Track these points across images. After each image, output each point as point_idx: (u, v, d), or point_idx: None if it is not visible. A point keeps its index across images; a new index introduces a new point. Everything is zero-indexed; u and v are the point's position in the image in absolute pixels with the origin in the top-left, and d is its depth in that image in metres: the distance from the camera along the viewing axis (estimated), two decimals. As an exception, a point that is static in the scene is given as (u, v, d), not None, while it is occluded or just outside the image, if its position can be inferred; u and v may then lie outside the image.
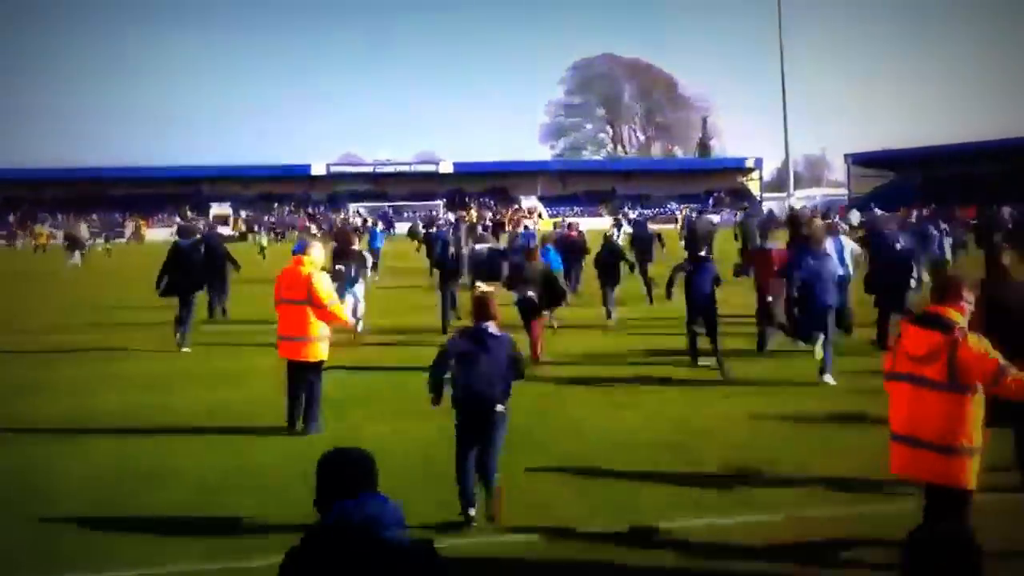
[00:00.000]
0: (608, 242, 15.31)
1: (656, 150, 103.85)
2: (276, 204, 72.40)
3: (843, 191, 77.98)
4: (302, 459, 7.15)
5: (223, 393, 10.06)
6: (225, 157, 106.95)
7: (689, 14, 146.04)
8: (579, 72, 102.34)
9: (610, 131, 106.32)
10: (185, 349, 13.00)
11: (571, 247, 17.04)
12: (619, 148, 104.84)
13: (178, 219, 65.21)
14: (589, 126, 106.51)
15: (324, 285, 8.32)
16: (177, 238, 14.56)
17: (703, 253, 11.31)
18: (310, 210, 70.30)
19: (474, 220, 38.03)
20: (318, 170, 73.85)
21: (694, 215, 34.66)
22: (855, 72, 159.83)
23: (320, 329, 8.31)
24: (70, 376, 11.29)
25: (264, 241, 37.41)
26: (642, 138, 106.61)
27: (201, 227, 23.93)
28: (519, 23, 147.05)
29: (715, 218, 43.22)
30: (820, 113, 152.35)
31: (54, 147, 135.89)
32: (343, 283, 12.91)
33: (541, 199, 75.72)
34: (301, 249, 8.88)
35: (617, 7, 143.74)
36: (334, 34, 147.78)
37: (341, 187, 74.82)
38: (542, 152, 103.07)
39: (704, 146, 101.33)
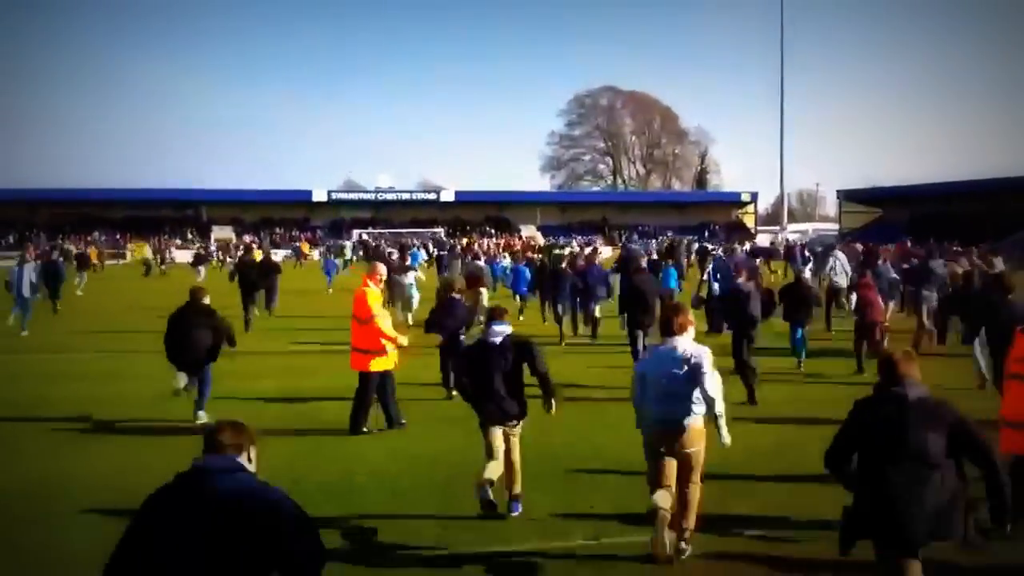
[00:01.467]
0: (553, 264, 18.83)
1: (655, 182, 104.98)
2: (278, 228, 73.74)
3: (834, 226, 78.97)
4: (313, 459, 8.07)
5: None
6: (225, 181, 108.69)
7: (691, 49, 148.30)
8: (580, 104, 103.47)
9: (609, 163, 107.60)
10: (248, 331, 17.34)
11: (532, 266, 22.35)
12: (618, 180, 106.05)
13: (179, 240, 66.68)
14: (589, 157, 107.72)
15: (370, 302, 9.10)
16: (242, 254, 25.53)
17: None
18: (308, 234, 71.62)
19: (464, 245, 46.54)
20: (319, 196, 75.10)
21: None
22: (852, 110, 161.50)
23: (375, 343, 9.04)
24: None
25: (348, 254, 42.81)
26: (641, 170, 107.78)
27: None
28: (521, 55, 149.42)
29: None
30: (815, 150, 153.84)
31: (53, 168, 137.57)
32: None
33: (540, 228, 76.79)
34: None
35: (619, 40, 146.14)
36: (336, 62, 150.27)
37: (343, 213, 76.17)
38: (542, 182, 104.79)
39: (702, 180, 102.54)
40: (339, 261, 38.29)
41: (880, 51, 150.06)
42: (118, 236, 66.64)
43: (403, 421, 9.33)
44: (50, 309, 21.89)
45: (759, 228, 78.98)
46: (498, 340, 6.40)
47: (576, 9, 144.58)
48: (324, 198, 75.24)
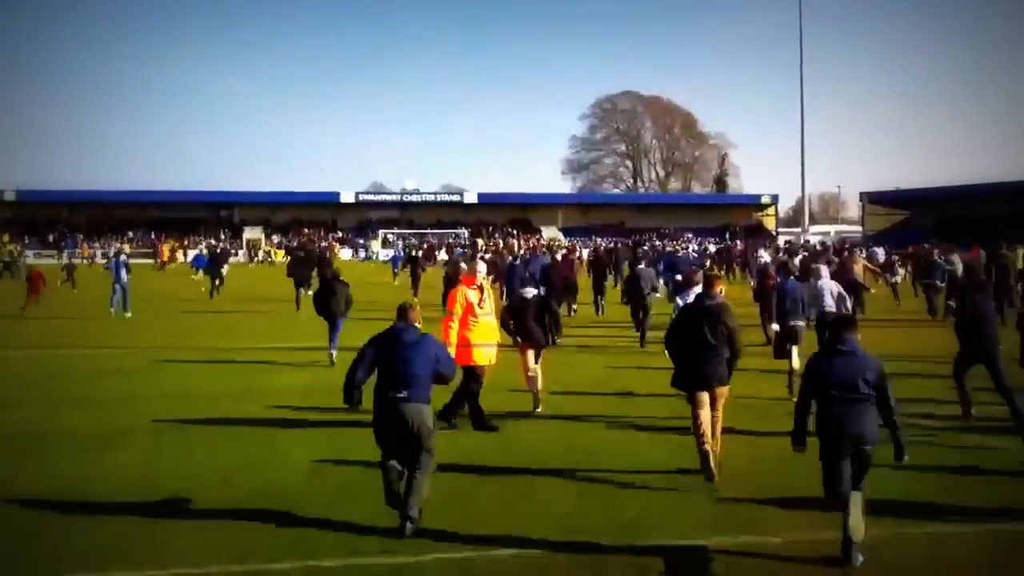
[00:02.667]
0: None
1: (675, 185, 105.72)
2: (306, 230, 74.81)
3: (857, 228, 79.50)
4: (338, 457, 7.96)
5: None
6: (256, 183, 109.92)
7: (710, 52, 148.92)
8: (601, 108, 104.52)
9: (630, 166, 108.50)
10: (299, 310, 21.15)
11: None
12: (638, 182, 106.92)
13: (213, 241, 67.81)
14: (609, 160, 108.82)
15: (453, 299, 9.22)
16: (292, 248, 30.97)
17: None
18: (337, 233, 72.67)
19: (495, 248, 49.75)
20: (347, 197, 76.17)
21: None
22: (873, 111, 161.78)
23: (471, 337, 8.99)
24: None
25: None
26: (661, 173, 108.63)
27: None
28: (543, 60, 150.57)
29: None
30: (837, 152, 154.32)
31: (91, 171, 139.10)
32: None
33: (562, 230, 77.64)
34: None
35: (640, 45, 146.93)
36: (364, 68, 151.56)
37: (370, 214, 77.27)
38: (564, 185, 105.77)
39: (721, 182, 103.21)
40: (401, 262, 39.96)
41: (902, 51, 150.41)
42: (152, 236, 67.74)
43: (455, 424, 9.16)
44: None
45: (779, 230, 79.53)
46: (530, 296, 9.95)
47: (597, 14, 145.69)
48: (352, 199, 76.31)
